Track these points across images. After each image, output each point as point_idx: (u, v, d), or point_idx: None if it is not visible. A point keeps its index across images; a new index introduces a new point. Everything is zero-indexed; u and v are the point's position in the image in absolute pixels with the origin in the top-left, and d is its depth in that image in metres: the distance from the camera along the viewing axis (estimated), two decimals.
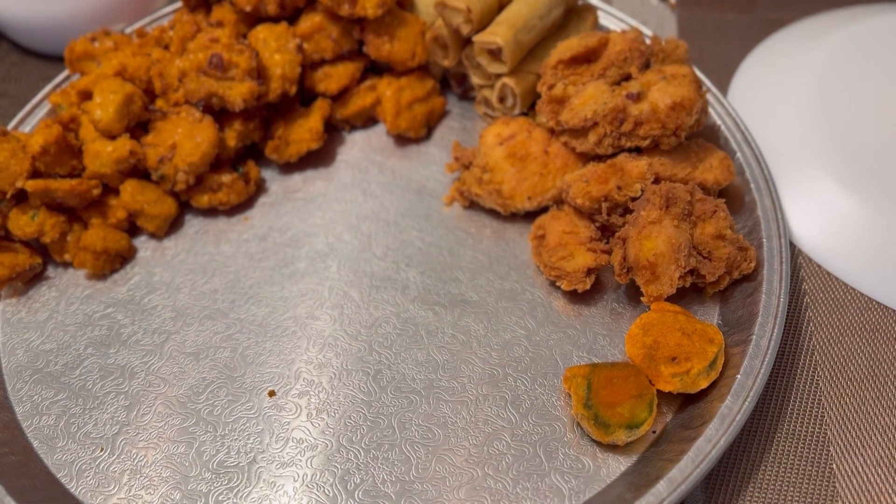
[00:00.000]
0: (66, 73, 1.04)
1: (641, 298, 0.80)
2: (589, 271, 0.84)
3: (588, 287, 0.83)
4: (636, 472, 0.72)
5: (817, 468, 0.75)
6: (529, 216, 0.92)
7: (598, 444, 0.74)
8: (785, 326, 0.83)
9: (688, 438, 0.72)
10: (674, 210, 0.80)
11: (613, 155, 0.88)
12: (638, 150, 0.88)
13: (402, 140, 1.02)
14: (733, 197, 0.91)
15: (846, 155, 0.93)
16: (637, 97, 0.85)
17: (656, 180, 0.86)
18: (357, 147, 1.02)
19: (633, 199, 0.84)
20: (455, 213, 0.95)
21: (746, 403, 0.72)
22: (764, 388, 0.77)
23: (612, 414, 0.72)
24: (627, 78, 0.89)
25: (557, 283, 0.85)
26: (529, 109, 0.97)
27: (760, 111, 1.00)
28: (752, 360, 0.75)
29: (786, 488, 0.74)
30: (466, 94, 1.05)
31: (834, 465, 0.75)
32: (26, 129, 0.99)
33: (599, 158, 0.88)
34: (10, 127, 0.98)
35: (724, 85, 1.08)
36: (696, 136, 0.92)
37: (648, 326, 0.77)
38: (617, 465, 0.74)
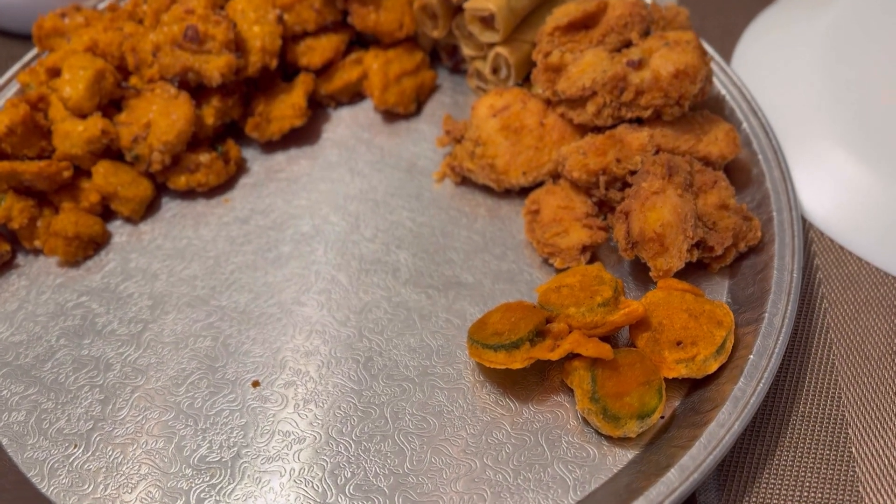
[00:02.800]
0: (34, 51, 0.98)
1: (650, 274, 0.75)
2: (584, 249, 0.80)
3: (583, 264, 0.79)
4: (645, 461, 0.68)
5: (835, 452, 0.71)
6: (525, 192, 0.88)
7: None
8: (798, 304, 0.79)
9: (698, 423, 0.68)
10: (676, 179, 0.76)
11: (613, 126, 0.83)
12: (639, 121, 0.83)
13: (390, 116, 0.97)
14: (740, 170, 0.86)
15: (857, 123, 0.89)
16: (638, 64, 0.80)
17: (656, 153, 0.81)
18: (343, 124, 0.97)
19: (633, 174, 0.80)
20: (447, 190, 0.90)
21: (761, 385, 0.68)
22: (777, 369, 0.73)
23: (621, 405, 0.68)
24: (628, 45, 0.85)
25: (550, 261, 0.81)
26: (524, 81, 0.92)
27: (766, 80, 0.96)
28: (765, 339, 0.71)
29: (803, 474, 0.70)
30: (457, 67, 1.00)
31: (853, 449, 0.71)
32: None
33: (598, 130, 0.84)
34: None
35: (727, 53, 1.04)
36: (701, 106, 0.87)
37: (653, 307, 0.73)
38: (624, 454, 0.69)
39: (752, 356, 0.70)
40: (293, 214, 0.89)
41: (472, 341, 0.73)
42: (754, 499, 0.69)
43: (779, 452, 0.71)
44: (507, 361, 0.70)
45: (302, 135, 0.96)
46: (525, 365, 0.69)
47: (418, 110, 0.98)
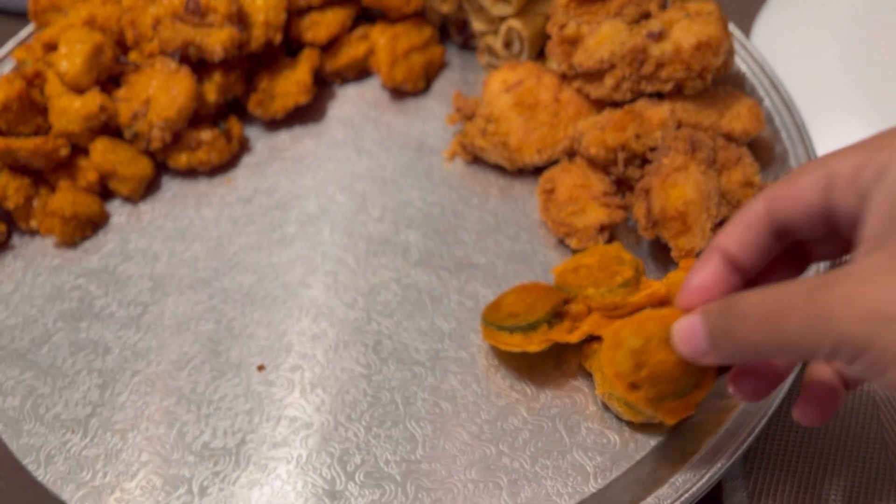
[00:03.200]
0: (31, 27, 0.95)
1: (672, 254, 0.72)
2: (601, 228, 0.76)
3: (601, 245, 0.76)
4: (670, 447, 0.65)
5: (868, 437, 0.68)
6: (538, 171, 0.84)
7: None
8: None
9: (725, 408, 0.65)
10: (699, 155, 0.73)
11: (632, 101, 0.80)
12: (659, 96, 0.80)
13: (398, 94, 0.94)
14: (762, 147, 0.83)
15: (883, 98, 0.86)
16: (658, 36, 0.77)
17: (678, 129, 0.78)
18: (349, 102, 0.94)
19: (653, 150, 0.77)
20: (458, 170, 0.87)
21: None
22: None
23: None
24: (646, 16, 0.81)
25: (566, 242, 0.78)
26: (538, 56, 0.88)
27: (788, 55, 0.92)
28: None
29: (833, 460, 0.67)
30: (467, 43, 0.97)
31: (885, 435, 0.68)
32: None
33: (616, 105, 0.81)
34: None
35: (746, 27, 1.00)
36: (722, 81, 0.84)
37: (675, 288, 0.69)
38: (647, 440, 0.66)
39: None
40: (298, 194, 0.86)
41: (487, 323, 0.70)
42: (782, 486, 0.66)
43: (807, 439, 0.68)
44: (524, 344, 0.67)
45: (307, 113, 0.92)
46: (542, 348, 0.67)
47: (427, 87, 0.94)
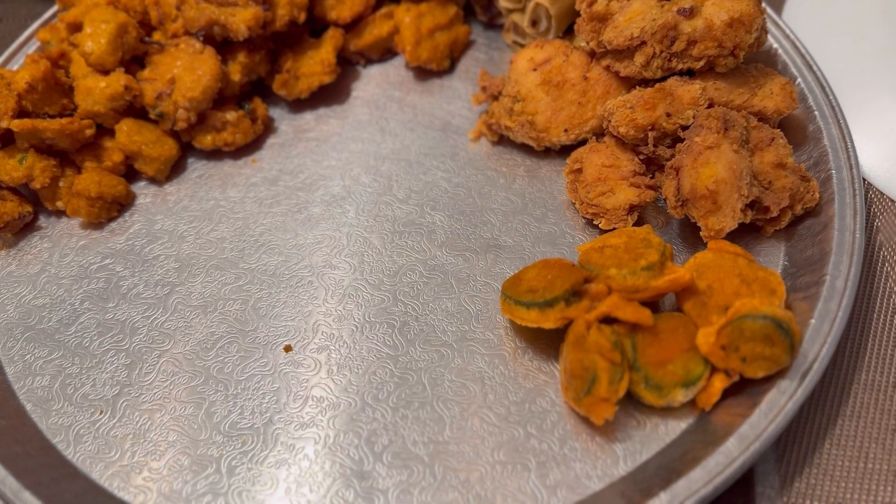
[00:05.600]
0: (55, 9, 0.95)
1: (701, 234, 0.71)
2: (631, 209, 0.75)
3: (630, 226, 0.74)
4: (700, 430, 0.64)
5: None
6: (565, 151, 0.83)
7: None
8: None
9: (757, 391, 0.64)
10: (732, 134, 0.71)
11: (662, 79, 0.78)
12: (690, 73, 0.78)
13: (422, 73, 0.93)
14: (795, 127, 0.81)
15: None
16: (690, 12, 0.75)
17: (709, 107, 0.76)
18: (373, 82, 0.93)
19: (684, 129, 0.75)
20: (483, 150, 0.86)
21: (824, 350, 0.64)
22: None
23: (664, 373, 0.64)
24: None
25: (595, 223, 0.77)
26: (565, 34, 0.87)
27: (820, 32, 0.90)
28: (826, 302, 0.67)
29: (867, 444, 0.66)
30: (493, 22, 0.95)
31: None
32: (13, 68, 0.90)
33: (646, 83, 0.79)
34: None
35: (778, 4, 0.98)
36: (753, 59, 0.82)
37: (702, 268, 0.69)
38: (677, 423, 0.65)
39: (813, 320, 0.66)
40: (323, 175, 0.85)
41: (505, 297, 0.69)
42: (814, 470, 0.65)
43: (840, 422, 0.67)
44: (540, 320, 0.66)
45: (330, 93, 0.92)
46: (558, 325, 0.66)
47: (452, 67, 0.93)
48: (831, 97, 0.81)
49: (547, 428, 0.66)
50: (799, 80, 0.83)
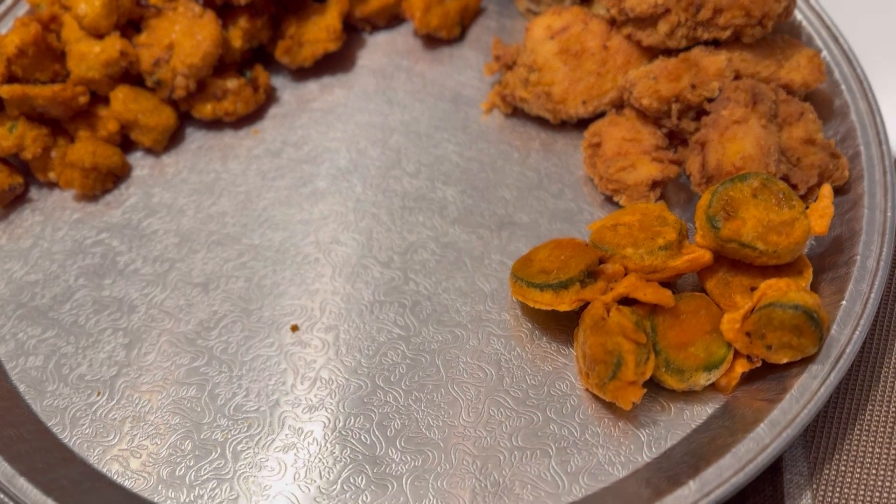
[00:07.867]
0: None
1: None
2: (653, 184, 0.72)
3: (651, 202, 0.72)
4: (727, 415, 0.61)
5: None
6: (582, 124, 0.80)
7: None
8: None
9: (787, 375, 0.61)
10: (761, 108, 0.68)
11: (687, 49, 0.75)
12: (715, 43, 0.75)
13: (431, 41, 0.89)
14: (821, 101, 0.78)
15: None
16: None
17: (735, 79, 0.73)
18: (380, 50, 0.89)
19: (710, 101, 0.72)
20: (496, 122, 0.82)
21: (857, 333, 0.61)
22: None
23: (685, 356, 0.61)
24: None
25: (615, 199, 0.74)
26: (584, 0, 0.83)
27: (847, 5, 0.87)
28: (857, 283, 0.64)
29: (894, 431, 0.63)
30: None
31: None
32: (2, 32, 0.86)
33: (669, 53, 0.76)
34: None
35: None
36: (779, 30, 0.79)
37: None
38: (702, 408, 0.63)
39: (844, 301, 0.63)
40: (328, 147, 0.82)
41: (516, 279, 0.66)
42: (844, 457, 0.63)
43: (870, 407, 0.65)
44: (554, 303, 0.63)
45: (335, 62, 0.88)
46: (573, 308, 0.63)
47: (462, 35, 0.90)
48: (859, 70, 0.78)
49: (567, 412, 0.64)
50: (825, 53, 0.80)
